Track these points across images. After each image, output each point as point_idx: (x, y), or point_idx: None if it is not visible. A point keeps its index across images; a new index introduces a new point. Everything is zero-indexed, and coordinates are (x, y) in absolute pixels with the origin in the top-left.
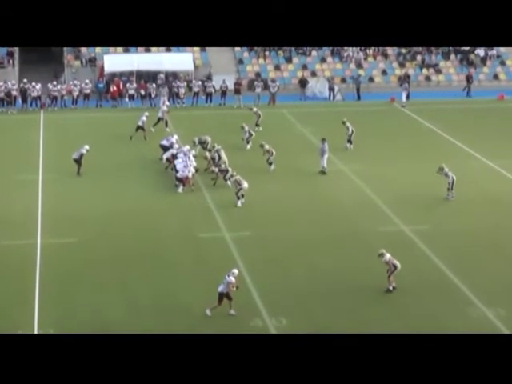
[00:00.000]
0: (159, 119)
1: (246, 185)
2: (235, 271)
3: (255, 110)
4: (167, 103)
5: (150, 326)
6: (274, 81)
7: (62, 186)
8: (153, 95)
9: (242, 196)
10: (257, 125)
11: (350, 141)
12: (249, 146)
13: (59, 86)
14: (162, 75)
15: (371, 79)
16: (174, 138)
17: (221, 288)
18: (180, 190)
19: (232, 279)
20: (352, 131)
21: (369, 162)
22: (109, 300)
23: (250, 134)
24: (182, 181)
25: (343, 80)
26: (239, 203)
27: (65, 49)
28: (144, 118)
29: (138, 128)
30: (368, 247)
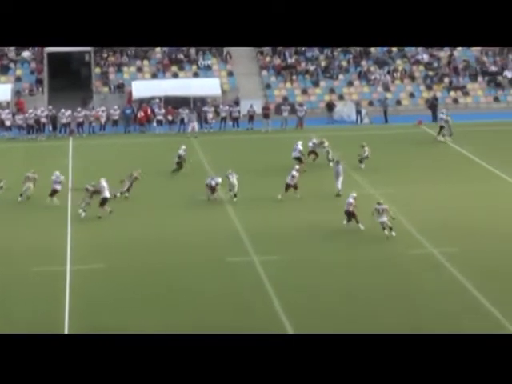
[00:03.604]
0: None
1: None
2: None
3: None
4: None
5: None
6: (301, 105)
7: (91, 211)
8: (186, 121)
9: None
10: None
11: (361, 161)
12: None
13: (84, 112)
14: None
15: (398, 102)
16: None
17: None
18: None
19: None
20: (367, 156)
21: (396, 184)
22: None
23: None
24: None
25: (370, 103)
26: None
27: (93, 75)
28: (300, 147)
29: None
30: (399, 270)
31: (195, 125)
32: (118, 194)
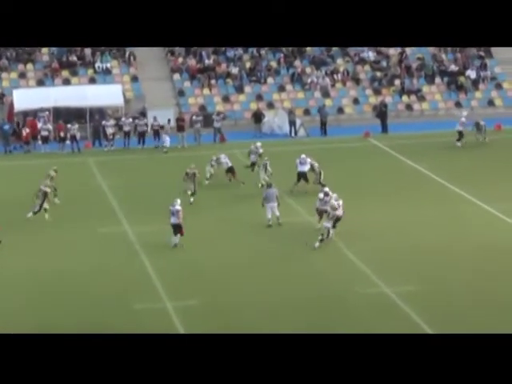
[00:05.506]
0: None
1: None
2: None
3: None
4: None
5: None
6: (219, 113)
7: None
8: (78, 137)
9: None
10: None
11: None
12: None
13: None
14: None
15: (340, 110)
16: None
17: None
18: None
19: None
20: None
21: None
22: None
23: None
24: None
25: (306, 112)
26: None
27: None
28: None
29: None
30: (346, 311)
31: (167, 138)
32: (192, 200)
